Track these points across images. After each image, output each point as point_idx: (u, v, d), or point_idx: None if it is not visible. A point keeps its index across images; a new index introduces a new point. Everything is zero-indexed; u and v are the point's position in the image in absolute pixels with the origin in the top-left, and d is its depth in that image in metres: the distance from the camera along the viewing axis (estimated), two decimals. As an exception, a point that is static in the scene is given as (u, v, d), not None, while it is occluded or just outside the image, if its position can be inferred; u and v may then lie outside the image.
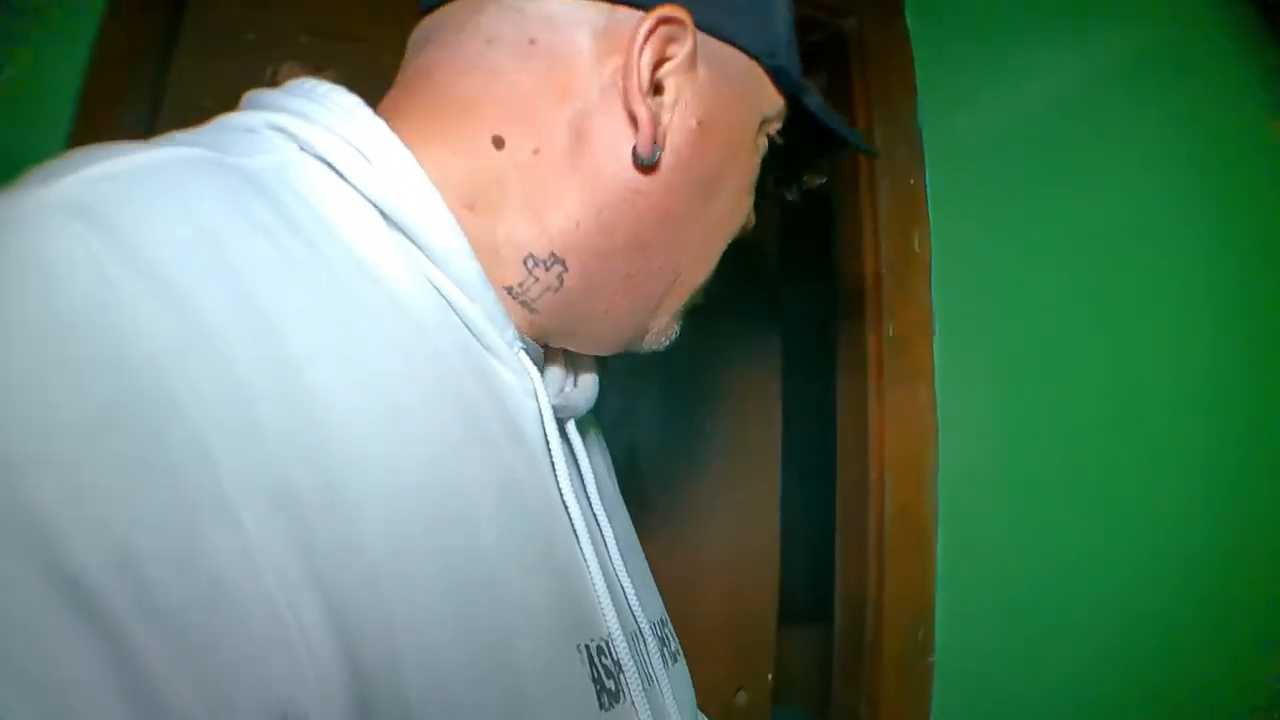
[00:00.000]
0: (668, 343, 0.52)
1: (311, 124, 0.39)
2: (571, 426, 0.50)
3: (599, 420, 0.62)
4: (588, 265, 0.45)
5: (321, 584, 0.27)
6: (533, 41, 0.43)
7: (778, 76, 0.49)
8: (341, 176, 0.38)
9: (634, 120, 0.43)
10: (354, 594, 0.28)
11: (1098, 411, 0.97)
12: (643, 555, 0.59)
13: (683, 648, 0.56)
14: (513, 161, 0.42)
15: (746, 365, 1.21)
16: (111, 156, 0.30)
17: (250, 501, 0.26)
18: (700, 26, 0.44)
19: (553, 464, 0.43)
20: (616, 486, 0.62)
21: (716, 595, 1.11)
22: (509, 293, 0.44)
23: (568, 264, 0.44)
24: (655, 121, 0.43)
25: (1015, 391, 1.02)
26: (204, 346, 0.27)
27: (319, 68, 0.95)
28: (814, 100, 0.52)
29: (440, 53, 0.44)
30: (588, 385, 0.52)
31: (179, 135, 0.37)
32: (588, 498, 0.48)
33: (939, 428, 1.04)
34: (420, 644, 0.30)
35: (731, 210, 0.50)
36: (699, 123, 0.45)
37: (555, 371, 0.49)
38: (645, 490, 1.10)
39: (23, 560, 0.23)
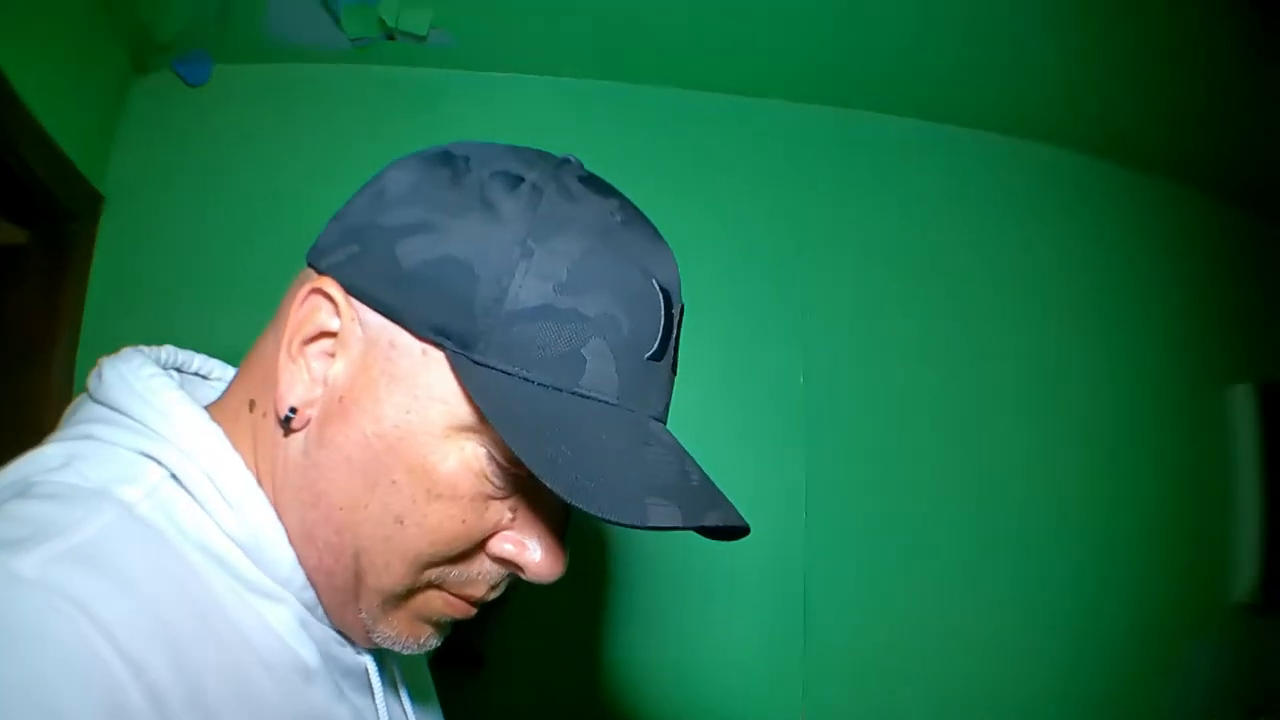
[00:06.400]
0: (419, 648, 0.48)
1: (175, 451, 0.43)
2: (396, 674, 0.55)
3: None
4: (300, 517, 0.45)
5: None
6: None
7: (458, 366, 0.41)
8: (208, 514, 0.43)
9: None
10: None
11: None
12: None
13: None
14: (254, 420, 0.46)
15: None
16: (52, 537, 0.38)
17: None
18: (359, 297, 0.43)
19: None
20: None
21: None
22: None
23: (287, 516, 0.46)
24: (292, 383, 0.43)
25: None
26: (150, 695, 0.37)
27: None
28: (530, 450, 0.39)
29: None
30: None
31: (82, 470, 0.42)
32: None
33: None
34: None
35: (408, 512, 0.42)
36: (340, 399, 0.42)
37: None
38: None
39: None
